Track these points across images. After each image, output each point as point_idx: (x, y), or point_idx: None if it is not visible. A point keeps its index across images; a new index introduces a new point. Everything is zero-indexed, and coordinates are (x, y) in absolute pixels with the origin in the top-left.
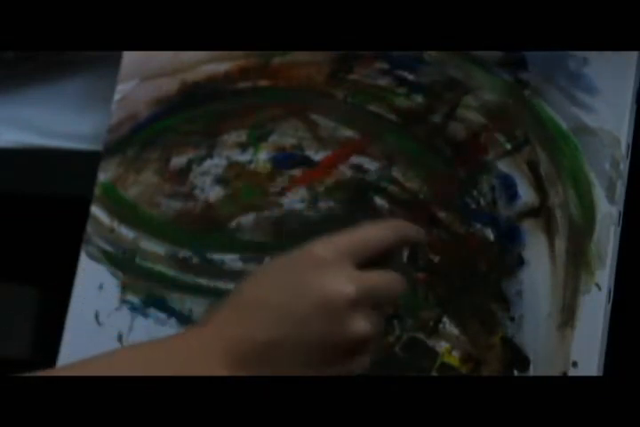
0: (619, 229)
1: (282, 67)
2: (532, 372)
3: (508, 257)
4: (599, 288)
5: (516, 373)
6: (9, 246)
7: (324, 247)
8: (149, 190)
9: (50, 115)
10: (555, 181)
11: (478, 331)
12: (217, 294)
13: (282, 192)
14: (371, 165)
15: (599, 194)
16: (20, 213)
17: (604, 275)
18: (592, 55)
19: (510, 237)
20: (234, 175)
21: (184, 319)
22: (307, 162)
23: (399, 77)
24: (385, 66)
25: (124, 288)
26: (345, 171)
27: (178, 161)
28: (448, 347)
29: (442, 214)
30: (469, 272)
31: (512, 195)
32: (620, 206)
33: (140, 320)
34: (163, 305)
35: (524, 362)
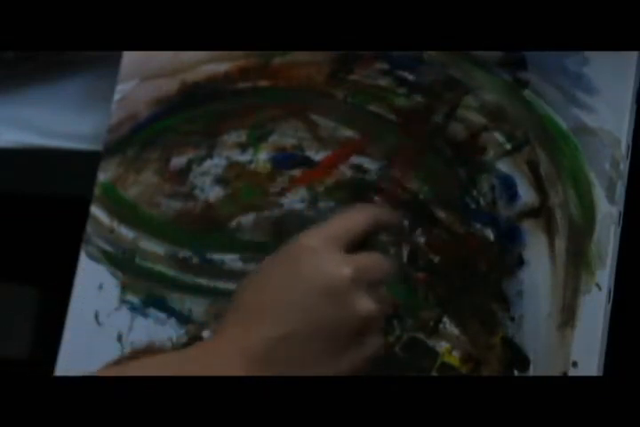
0: (619, 229)
1: (282, 67)
2: (531, 372)
3: (508, 257)
4: (599, 288)
5: (516, 373)
6: (9, 246)
7: (311, 237)
8: (149, 190)
9: (50, 115)
10: (555, 181)
11: (478, 331)
12: (217, 294)
13: (282, 192)
14: (371, 165)
15: (599, 194)
16: (20, 213)
17: (604, 275)
18: (592, 55)
19: (510, 237)
20: (234, 175)
21: (184, 319)
22: (307, 162)
23: (399, 77)
24: (385, 66)
25: (124, 288)
26: (345, 171)
27: (178, 161)
28: (448, 347)
29: (442, 214)
30: (469, 272)
31: (512, 195)
32: (620, 206)
33: (139, 320)
34: (162, 305)
35: (523, 362)
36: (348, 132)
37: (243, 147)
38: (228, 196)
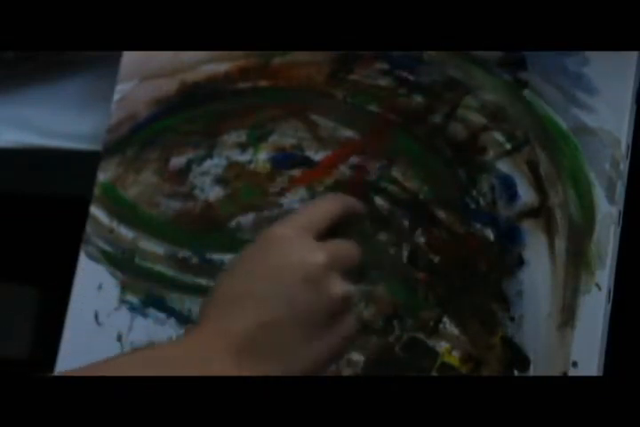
0: (619, 229)
1: (282, 67)
2: (532, 372)
3: (508, 257)
4: (599, 288)
5: (516, 373)
6: (9, 246)
7: (284, 226)
8: (149, 190)
9: (50, 115)
10: (555, 181)
11: (478, 331)
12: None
13: (281, 192)
14: (371, 165)
15: (599, 194)
16: (20, 213)
17: (604, 275)
18: (592, 55)
19: (510, 237)
20: (233, 175)
21: (183, 319)
22: (306, 162)
23: (399, 77)
24: (385, 66)
25: (124, 288)
26: (345, 171)
27: (177, 161)
28: (448, 347)
29: (442, 214)
30: (469, 272)
31: (512, 195)
32: (620, 206)
33: (139, 320)
34: (162, 305)
35: (523, 362)
36: (347, 132)
37: (242, 147)
38: (227, 196)
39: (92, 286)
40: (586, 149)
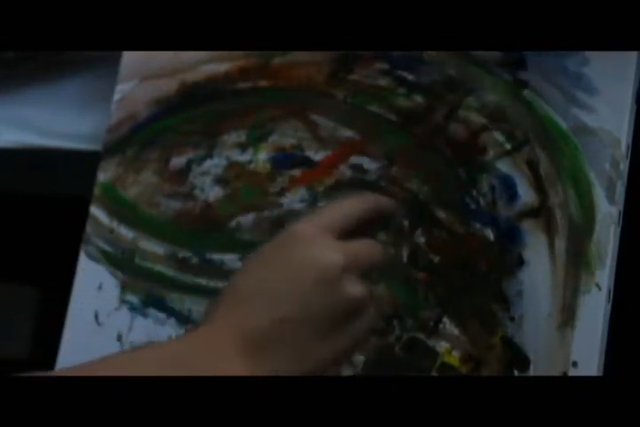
0: (619, 229)
1: (282, 67)
2: (532, 372)
3: (508, 257)
4: (599, 288)
5: (516, 373)
6: (9, 246)
7: (305, 225)
8: (149, 190)
9: (50, 115)
10: (555, 181)
11: (478, 331)
12: (216, 294)
13: (281, 192)
14: (371, 165)
15: (599, 194)
16: (20, 213)
17: (604, 275)
18: (592, 55)
19: (510, 237)
20: (233, 175)
21: (183, 319)
22: (306, 162)
23: (399, 77)
24: (385, 66)
25: (124, 288)
26: (345, 171)
27: (177, 161)
28: (448, 347)
29: (442, 214)
30: (469, 272)
31: (512, 195)
32: (620, 206)
33: (139, 320)
34: (162, 305)
35: (523, 362)
36: (347, 133)
37: (242, 147)
38: (227, 196)
39: (92, 286)
40: (586, 149)
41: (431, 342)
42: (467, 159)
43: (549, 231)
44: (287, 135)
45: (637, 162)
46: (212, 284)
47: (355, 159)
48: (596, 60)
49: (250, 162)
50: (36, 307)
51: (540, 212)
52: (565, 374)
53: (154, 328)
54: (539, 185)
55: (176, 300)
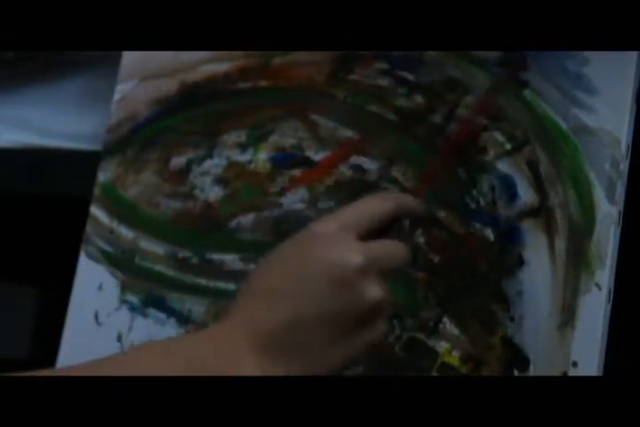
0: (619, 229)
1: (282, 67)
2: (532, 372)
3: (508, 257)
4: (599, 288)
5: (516, 373)
6: (9, 246)
7: (326, 224)
8: (149, 190)
9: (50, 115)
10: (555, 181)
11: (478, 331)
12: (216, 294)
13: (281, 192)
14: (371, 165)
15: (599, 194)
16: (20, 213)
17: (604, 275)
18: (592, 55)
19: (510, 237)
20: (234, 175)
21: (183, 319)
22: (306, 162)
23: (399, 77)
24: (385, 66)
25: (124, 288)
26: (345, 171)
27: (177, 161)
28: (448, 347)
29: (442, 214)
30: (469, 272)
31: (512, 195)
32: (620, 206)
33: (139, 320)
34: (162, 305)
35: (523, 362)
36: (347, 132)
37: (242, 147)
38: (227, 196)
39: (92, 286)
40: (586, 149)
41: (431, 342)
42: (467, 159)
43: (549, 231)
44: (287, 135)
45: (637, 162)
46: (212, 284)
47: (355, 159)
48: (596, 60)
49: (250, 162)
50: (36, 307)
51: (540, 212)
52: (565, 374)
53: (154, 328)
54: (539, 185)
55: (176, 300)
